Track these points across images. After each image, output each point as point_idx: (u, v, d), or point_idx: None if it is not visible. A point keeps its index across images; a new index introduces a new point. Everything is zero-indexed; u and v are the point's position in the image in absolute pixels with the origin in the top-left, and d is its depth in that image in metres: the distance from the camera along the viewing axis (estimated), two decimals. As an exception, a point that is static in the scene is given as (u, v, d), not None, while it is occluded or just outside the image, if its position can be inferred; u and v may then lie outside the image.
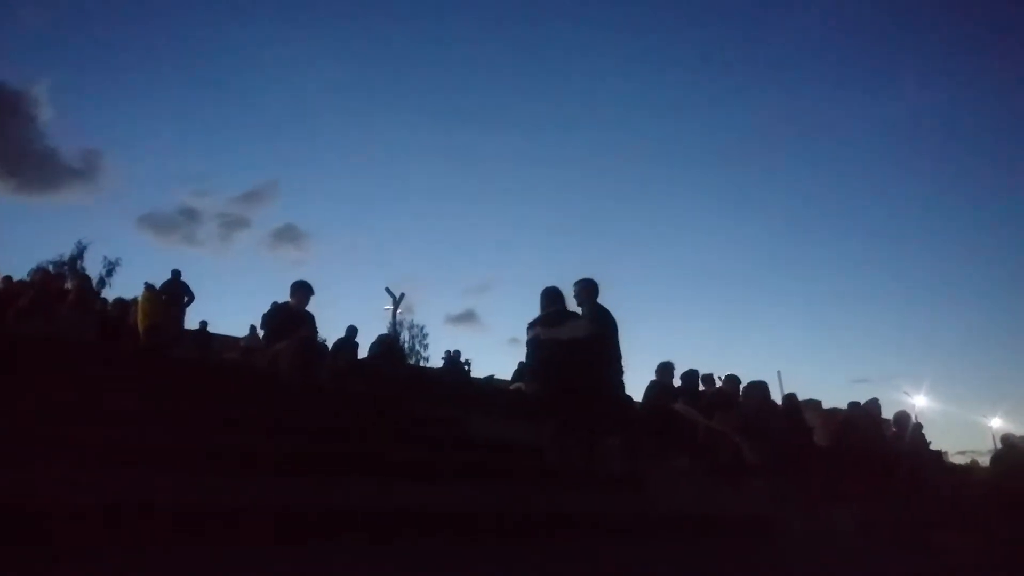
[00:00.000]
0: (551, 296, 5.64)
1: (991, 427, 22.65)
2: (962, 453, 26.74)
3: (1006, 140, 69.23)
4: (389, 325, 22.44)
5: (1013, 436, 8.11)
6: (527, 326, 5.65)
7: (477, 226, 69.08)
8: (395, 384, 9.62)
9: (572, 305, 5.72)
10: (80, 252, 29.55)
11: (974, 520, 6.42)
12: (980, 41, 69.02)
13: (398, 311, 23.82)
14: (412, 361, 28.41)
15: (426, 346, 36.78)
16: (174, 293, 10.73)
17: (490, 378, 16.37)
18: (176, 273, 11.01)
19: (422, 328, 37.27)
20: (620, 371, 5.69)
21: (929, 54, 69.66)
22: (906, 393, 20.62)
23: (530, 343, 5.58)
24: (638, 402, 8.85)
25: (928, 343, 62.56)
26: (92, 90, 61.51)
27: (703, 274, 69.62)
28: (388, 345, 11.87)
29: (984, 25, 72.72)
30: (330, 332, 13.92)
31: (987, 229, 67.91)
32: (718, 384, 8.51)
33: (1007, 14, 63.75)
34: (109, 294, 20.29)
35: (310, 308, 6.95)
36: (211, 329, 15.02)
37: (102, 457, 2.77)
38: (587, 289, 5.65)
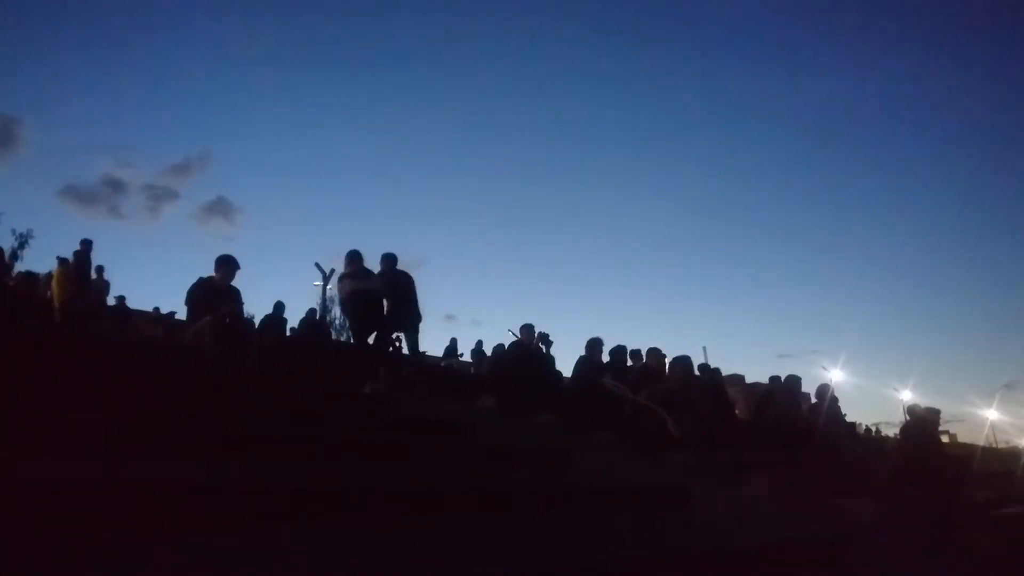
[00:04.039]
0: (352, 257, 7.72)
1: (902, 399, 23.80)
2: (874, 424, 28.18)
3: (926, 125, 72.95)
4: (319, 301, 21.85)
5: (918, 407, 8.53)
6: (338, 278, 7.79)
7: (410, 202, 68.34)
8: (321, 361, 9.39)
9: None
10: (-10, 224, 27.54)
11: (882, 486, 6.74)
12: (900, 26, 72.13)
13: (328, 287, 23.22)
14: (343, 338, 27.83)
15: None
16: (84, 267, 10.07)
17: (421, 354, 16.16)
18: (86, 244, 10.26)
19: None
20: (416, 315, 8.00)
21: (851, 39, 72.32)
22: (824, 368, 21.50)
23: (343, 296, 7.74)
24: (568, 377, 8.93)
25: (847, 320, 65.81)
26: (9, 53, 56.98)
27: (632, 251, 71.08)
28: (312, 322, 11.54)
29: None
30: (261, 308, 13.54)
31: (901, 213, 71.74)
32: (645, 360, 8.63)
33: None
34: (22, 268, 19.08)
35: (237, 283, 6.66)
36: (142, 307, 14.90)
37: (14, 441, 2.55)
38: (386, 260, 8.02)
